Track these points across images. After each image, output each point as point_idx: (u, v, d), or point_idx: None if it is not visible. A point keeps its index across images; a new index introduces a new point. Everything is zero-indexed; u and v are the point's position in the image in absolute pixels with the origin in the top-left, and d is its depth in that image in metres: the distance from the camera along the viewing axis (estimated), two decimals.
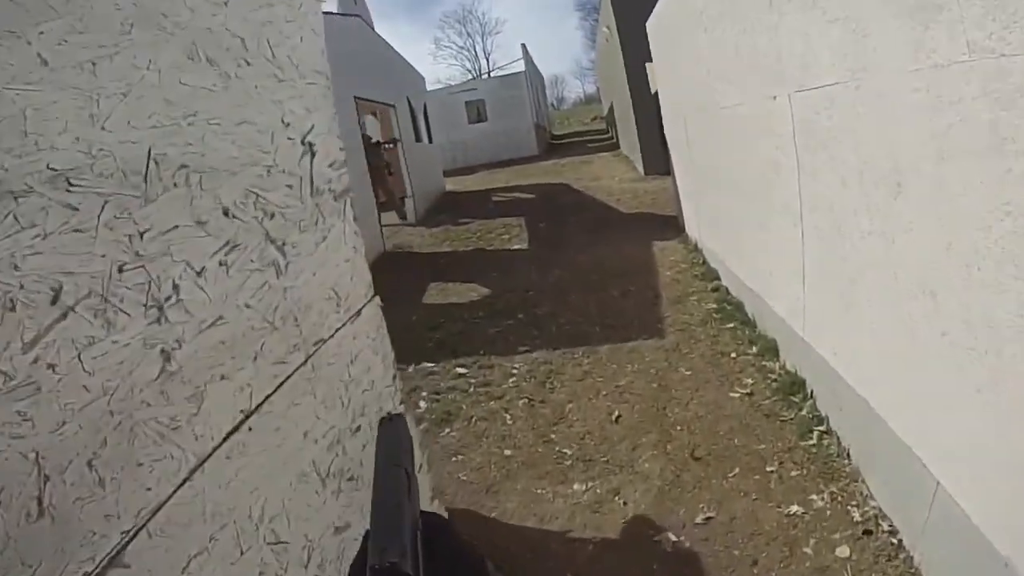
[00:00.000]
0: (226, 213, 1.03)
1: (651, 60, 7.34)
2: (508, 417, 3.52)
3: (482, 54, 61.51)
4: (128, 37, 0.88)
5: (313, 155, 1.41)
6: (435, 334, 5.24)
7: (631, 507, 2.57)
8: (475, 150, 21.48)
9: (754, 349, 3.79)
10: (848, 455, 2.61)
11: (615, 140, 19.26)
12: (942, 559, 1.90)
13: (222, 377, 0.96)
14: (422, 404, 3.88)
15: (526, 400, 3.70)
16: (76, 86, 0.78)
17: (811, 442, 2.77)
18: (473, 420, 3.56)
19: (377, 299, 1.73)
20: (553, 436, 3.23)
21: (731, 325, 4.25)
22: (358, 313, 1.58)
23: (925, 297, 1.84)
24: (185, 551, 0.83)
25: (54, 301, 0.68)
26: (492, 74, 39.72)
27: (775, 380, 3.37)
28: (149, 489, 0.78)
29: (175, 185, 0.91)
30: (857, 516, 2.26)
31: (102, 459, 0.71)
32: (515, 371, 4.18)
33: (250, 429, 1.03)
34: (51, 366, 0.67)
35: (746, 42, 3.24)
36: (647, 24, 6.79)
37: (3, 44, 0.68)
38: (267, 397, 1.09)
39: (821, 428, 2.83)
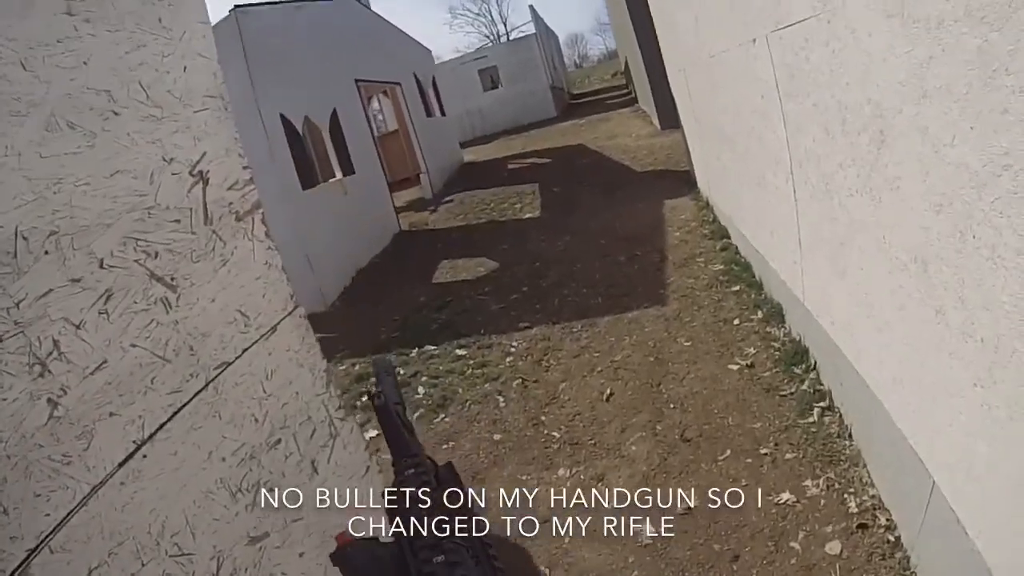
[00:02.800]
0: (101, 265, 1.09)
1: None
2: (501, 400, 3.44)
3: (498, 18, 59.74)
4: None
5: (206, 183, 1.43)
6: (440, 315, 5.18)
7: (615, 495, 2.45)
8: (492, 117, 21.00)
9: (759, 314, 3.58)
10: (850, 435, 2.39)
11: (633, 95, 18.55)
12: (936, 565, 1.69)
13: (111, 414, 1.05)
14: (420, 390, 3.83)
15: (520, 381, 3.60)
16: None
17: (811, 420, 2.57)
18: (467, 404, 3.49)
19: (300, 311, 1.69)
20: (543, 419, 3.13)
21: (737, 288, 4.02)
22: (273, 329, 1.57)
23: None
24: (85, 564, 0.95)
25: None
26: (509, 37, 38.71)
27: (778, 349, 3.17)
28: (48, 515, 0.92)
29: (46, 252, 0.98)
30: (853, 506, 2.07)
31: (4, 493, 0.86)
32: (513, 349, 4.08)
33: (144, 456, 1.11)
34: None
35: None
36: None
37: None
38: (162, 425, 1.17)
39: (823, 404, 2.62)
